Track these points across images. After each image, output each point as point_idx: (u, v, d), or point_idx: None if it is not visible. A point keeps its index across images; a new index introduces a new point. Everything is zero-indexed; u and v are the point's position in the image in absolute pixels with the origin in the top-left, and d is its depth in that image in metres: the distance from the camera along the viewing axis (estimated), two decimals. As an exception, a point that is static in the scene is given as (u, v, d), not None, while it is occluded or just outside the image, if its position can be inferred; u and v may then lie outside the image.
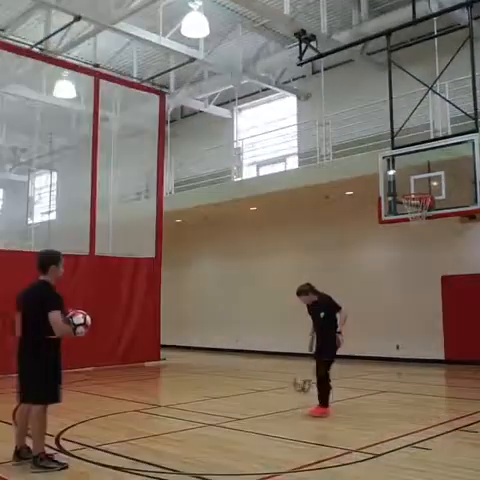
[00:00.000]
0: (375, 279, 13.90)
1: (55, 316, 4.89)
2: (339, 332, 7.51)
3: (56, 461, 4.98)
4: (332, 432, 6.46)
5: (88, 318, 4.97)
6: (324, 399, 7.35)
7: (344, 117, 13.83)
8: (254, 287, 16.82)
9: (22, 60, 13.76)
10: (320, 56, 12.65)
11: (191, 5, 13.21)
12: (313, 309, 7.80)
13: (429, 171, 10.58)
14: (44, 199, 17.88)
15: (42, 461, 4.89)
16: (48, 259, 5.16)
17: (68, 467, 4.95)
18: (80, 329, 4.90)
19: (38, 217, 18.24)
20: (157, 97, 15.13)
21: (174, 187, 17.44)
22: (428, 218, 10.51)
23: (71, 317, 4.93)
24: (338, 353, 7.71)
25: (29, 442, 5.12)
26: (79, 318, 4.92)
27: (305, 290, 7.72)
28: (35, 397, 5.11)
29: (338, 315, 7.63)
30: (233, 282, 17.46)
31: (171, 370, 13.37)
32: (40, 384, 5.11)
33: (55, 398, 5.10)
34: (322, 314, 7.67)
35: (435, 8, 11.43)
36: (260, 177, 16.44)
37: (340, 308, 7.65)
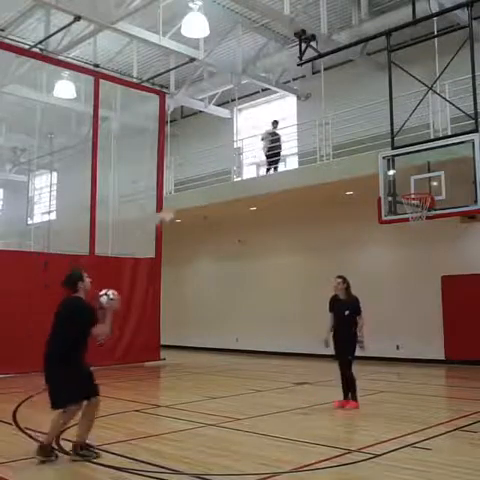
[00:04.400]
0: (375, 279, 13.90)
1: (98, 330, 5.38)
2: (361, 341, 7.72)
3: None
4: (332, 432, 6.46)
5: (110, 293, 5.57)
6: (354, 394, 7.72)
7: (344, 117, 13.82)
8: (254, 287, 16.82)
9: (22, 60, 13.76)
10: (320, 56, 12.65)
11: (191, 5, 13.20)
12: (338, 306, 7.89)
13: (429, 171, 10.59)
14: (44, 199, 17.86)
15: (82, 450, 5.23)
16: (75, 279, 5.56)
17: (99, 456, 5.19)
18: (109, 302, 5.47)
19: (38, 217, 18.22)
20: (157, 97, 15.14)
21: (174, 187, 17.44)
22: (428, 218, 10.51)
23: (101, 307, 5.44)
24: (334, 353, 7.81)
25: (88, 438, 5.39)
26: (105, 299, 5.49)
27: (345, 278, 7.98)
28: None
29: (358, 319, 7.78)
30: (233, 282, 17.45)
31: (171, 370, 13.37)
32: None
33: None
34: (347, 312, 7.77)
35: (435, 8, 11.42)
36: (260, 177, 16.43)
37: (360, 313, 7.82)
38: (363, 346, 7.73)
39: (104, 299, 5.46)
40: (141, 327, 13.78)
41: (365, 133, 13.35)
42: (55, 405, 5.18)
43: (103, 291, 5.52)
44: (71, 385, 5.18)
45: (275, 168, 15.67)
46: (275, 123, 16.07)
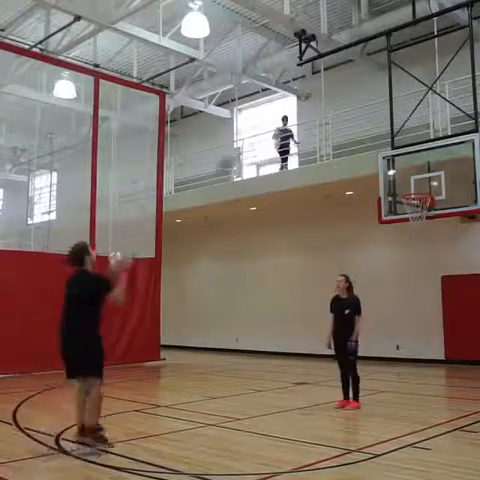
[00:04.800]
0: (375, 279, 13.90)
1: (115, 295, 5.42)
2: (355, 341, 7.65)
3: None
4: (332, 432, 6.46)
5: (118, 254, 5.55)
6: (356, 394, 7.70)
7: (344, 117, 13.83)
8: (254, 287, 16.82)
9: (22, 60, 13.75)
10: (320, 56, 12.65)
11: (191, 5, 13.20)
12: (338, 305, 7.88)
13: (429, 171, 10.59)
14: (44, 199, 17.86)
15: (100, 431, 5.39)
16: (81, 251, 5.58)
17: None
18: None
19: (38, 217, 18.23)
20: (157, 97, 15.13)
21: (174, 187, 17.44)
22: (428, 218, 10.51)
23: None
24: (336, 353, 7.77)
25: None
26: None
27: (347, 277, 7.95)
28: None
29: (357, 319, 7.73)
30: (233, 282, 17.46)
31: (171, 370, 13.37)
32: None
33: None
34: (347, 311, 7.74)
35: (435, 8, 11.42)
36: (260, 177, 16.44)
37: (359, 314, 7.78)
38: (350, 346, 7.60)
39: (113, 262, 5.47)
40: (141, 327, 13.77)
41: (365, 133, 13.36)
42: (96, 374, 5.33)
43: (111, 254, 5.55)
44: (101, 355, 5.39)
45: (285, 166, 15.52)
46: (285, 119, 15.82)
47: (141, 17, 13.09)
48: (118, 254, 5.52)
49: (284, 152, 15.55)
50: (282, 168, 15.55)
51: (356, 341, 7.66)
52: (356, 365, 7.74)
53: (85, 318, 5.36)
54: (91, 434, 5.34)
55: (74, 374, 5.44)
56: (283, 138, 15.53)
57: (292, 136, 15.66)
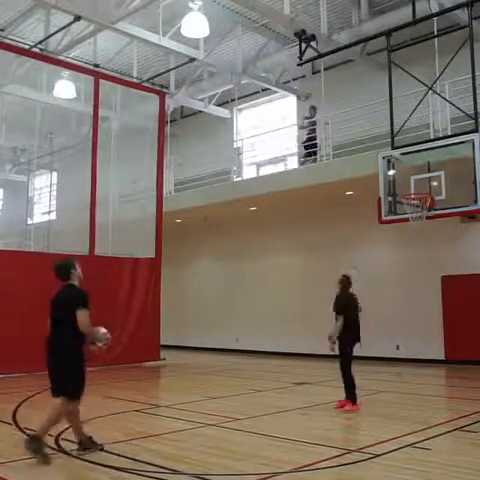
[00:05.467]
0: (375, 279, 13.90)
1: (83, 313, 5.26)
2: (333, 341, 7.60)
3: (44, 455, 5.13)
4: (332, 432, 6.46)
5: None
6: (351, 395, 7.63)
7: (344, 117, 13.83)
8: (254, 287, 16.82)
9: (22, 60, 13.75)
10: (320, 56, 12.64)
11: (191, 5, 13.19)
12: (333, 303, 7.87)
13: (429, 171, 10.58)
14: (44, 199, 17.86)
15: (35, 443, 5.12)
16: (67, 267, 5.57)
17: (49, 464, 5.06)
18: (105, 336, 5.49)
19: (38, 217, 18.23)
20: (157, 97, 15.14)
21: (174, 187, 17.44)
22: (428, 218, 10.51)
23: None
24: (336, 353, 7.72)
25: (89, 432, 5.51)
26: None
27: (343, 278, 7.93)
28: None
29: (337, 318, 7.66)
30: (233, 282, 17.46)
31: (171, 370, 13.37)
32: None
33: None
34: (332, 310, 7.72)
35: (435, 8, 11.42)
36: (260, 177, 16.43)
37: (340, 313, 7.68)
38: (330, 346, 7.60)
39: (99, 334, 5.46)
40: (141, 327, 13.77)
41: (365, 133, 13.36)
42: (72, 394, 5.23)
43: (104, 330, 5.54)
44: (80, 375, 5.31)
45: (314, 160, 14.59)
46: (313, 109, 15.09)
47: (141, 17, 13.08)
48: (103, 331, 5.50)
49: (311, 145, 14.66)
50: (304, 163, 14.75)
51: (334, 342, 7.57)
52: (346, 365, 7.63)
53: (67, 334, 5.25)
54: (33, 442, 5.11)
55: (53, 392, 5.33)
56: (311, 130, 14.77)
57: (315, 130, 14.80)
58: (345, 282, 7.93)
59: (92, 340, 5.39)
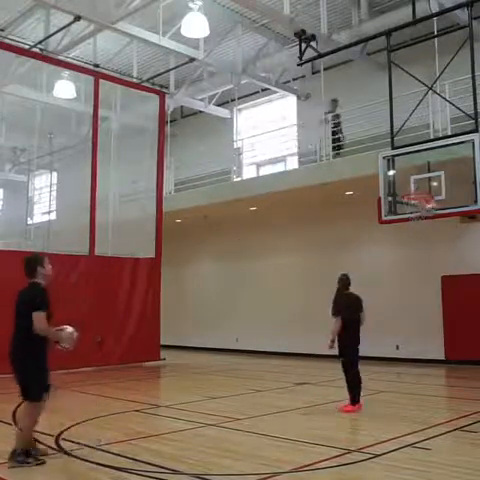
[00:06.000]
0: (375, 279, 13.89)
1: (37, 316, 5.05)
2: (331, 340, 7.60)
3: (35, 457, 5.06)
4: (332, 432, 6.46)
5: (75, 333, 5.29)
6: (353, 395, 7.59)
7: (344, 117, 13.81)
8: (254, 287, 16.82)
9: (22, 60, 13.75)
10: (320, 56, 12.64)
11: (191, 5, 13.19)
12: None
13: (429, 171, 10.58)
14: (44, 199, 17.86)
15: (19, 456, 4.98)
16: (34, 263, 5.40)
17: (45, 462, 5.02)
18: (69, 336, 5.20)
19: (38, 217, 18.23)
20: (157, 97, 15.14)
21: (174, 187, 17.44)
22: (428, 218, 10.50)
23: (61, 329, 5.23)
24: (336, 353, 7.71)
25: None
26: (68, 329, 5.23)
27: (339, 278, 7.89)
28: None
29: (334, 320, 7.64)
30: (233, 282, 17.46)
31: (171, 370, 13.37)
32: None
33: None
34: (330, 311, 7.68)
35: (435, 8, 11.41)
36: (260, 177, 16.43)
37: (336, 315, 7.66)
38: (330, 344, 7.60)
39: (63, 333, 5.23)
40: (141, 327, 13.78)
41: (365, 133, 13.35)
42: (31, 396, 5.07)
43: (70, 329, 5.27)
44: (43, 375, 5.12)
45: (338, 153, 14.00)
46: (334, 102, 14.43)
47: (141, 17, 13.08)
48: (68, 330, 5.27)
49: (335, 139, 14.05)
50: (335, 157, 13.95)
51: (332, 341, 7.57)
52: (348, 366, 7.61)
53: (24, 337, 5.08)
54: (17, 456, 4.98)
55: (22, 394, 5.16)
56: (335, 124, 14.16)
57: (340, 123, 14.20)
58: (343, 282, 7.88)
59: (56, 340, 5.20)
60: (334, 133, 14.16)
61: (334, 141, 14.10)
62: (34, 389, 5.08)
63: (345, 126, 13.71)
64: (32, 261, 5.41)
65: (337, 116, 14.32)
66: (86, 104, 14.71)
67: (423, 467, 4.88)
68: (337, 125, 14.20)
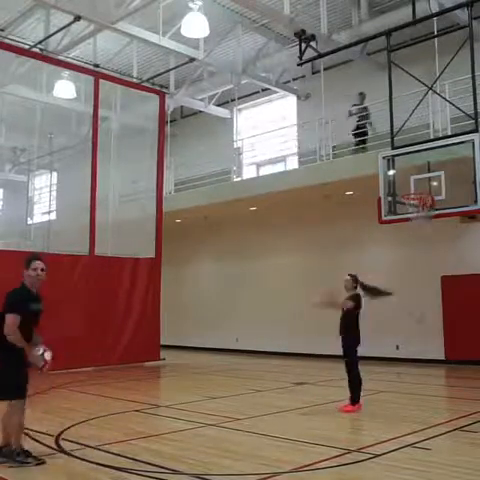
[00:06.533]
0: (375, 279, 13.86)
1: (9, 318, 4.95)
2: (352, 336, 7.64)
3: (34, 457, 5.05)
4: (332, 432, 6.45)
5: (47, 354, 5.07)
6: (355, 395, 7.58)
7: (344, 117, 13.81)
8: (254, 287, 16.82)
9: (22, 60, 13.76)
10: (320, 56, 12.64)
11: (191, 5, 13.20)
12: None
13: (429, 171, 10.58)
14: (44, 199, 17.87)
15: (19, 456, 4.99)
16: (24, 263, 5.29)
17: (45, 462, 5.01)
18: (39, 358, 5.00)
19: (38, 217, 18.23)
20: (157, 97, 15.14)
21: (174, 187, 17.44)
22: (431, 217, 10.50)
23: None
24: (337, 353, 7.70)
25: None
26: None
27: (355, 277, 7.82)
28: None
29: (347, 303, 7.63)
30: (233, 282, 17.45)
31: (171, 370, 13.36)
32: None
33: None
34: (344, 308, 7.66)
35: (435, 8, 11.42)
36: (260, 177, 16.43)
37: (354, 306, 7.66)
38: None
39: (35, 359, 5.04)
40: (141, 327, 13.78)
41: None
42: (8, 395, 5.00)
43: (42, 350, 5.08)
44: (16, 375, 5.03)
45: (363, 148, 13.60)
46: (362, 95, 13.85)
47: (141, 17, 13.09)
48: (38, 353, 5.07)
49: (360, 133, 13.67)
50: (356, 152, 13.57)
51: (352, 337, 7.57)
52: (352, 366, 7.63)
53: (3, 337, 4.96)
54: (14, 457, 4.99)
55: None
56: (361, 117, 13.78)
57: (368, 116, 13.77)
58: (357, 279, 7.86)
59: (30, 359, 5.03)
60: (358, 128, 13.74)
61: (359, 135, 13.69)
62: (6, 388, 5.01)
63: (345, 126, 13.68)
64: (24, 262, 5.31)
65: (365, 109, 13.84)
66: (86, 104, 14.71)
67: (423, 467, 4.88)
68: (363, 118, 13.70)
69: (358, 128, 13.79)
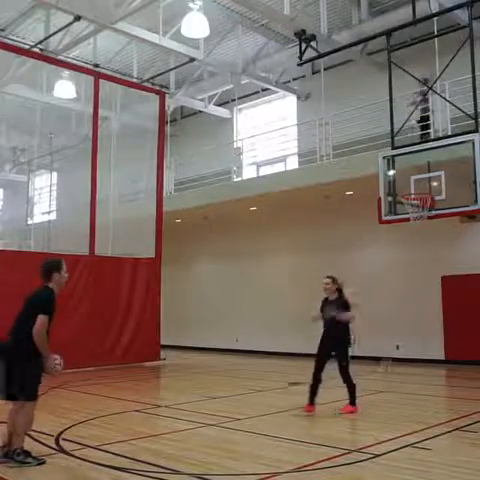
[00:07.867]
0: (375, 279, 13.89)
1: (42, 319, 5.04)
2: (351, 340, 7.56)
3: (35, 457, 5.06)
4: (332, 432, 6.45)
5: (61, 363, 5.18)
6: (351, 399, 7.53)
7: (344, 117, 13.83)
8: (254, 287, 16.81)
9: (22, 60, 13.76)
10: (320, 56, 12.65)
11: (191, 5, 13.20)
12: (327, 306, 7.72)
13: (429, 171, 10.58)
14: (44, 199, 17.87)
15: (19, 456, 5.00)
16: (51, 267, 5.32)
17: (45, 462, 5.02)
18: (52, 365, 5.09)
19: (38, 217, 18.24)
20: (157, 97, 15.13)
21: (174, 187, 17.44)
22: (428, 218, 10.51)
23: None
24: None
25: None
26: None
27: (333, 278, 7.71)
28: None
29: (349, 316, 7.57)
30: (233, 282, 17.45)
31: (171, 370, 13.36)
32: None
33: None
34: (333, 313, 7.55)
35: (435, 8, 11.42)
36: (260, 177, 16.43)
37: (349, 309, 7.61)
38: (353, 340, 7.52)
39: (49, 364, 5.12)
40: (141, 327, 13.77)
41: (365, 133, 13.35)
42: (28, 395, 5.03)
43: (59, 360, 5.17)
44: (37, 376, 5.10)
45: (426, 139, 11.94)
46: (426, 82, 11.96)
47: (141, 17, 13.09)
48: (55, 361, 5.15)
49: (424, 119, 12.45)
50: (421, 141, 11.96)
51: (347, 340, 7.52)
52: (347, 371, 7.55)
53: (25, 335, 5.06)
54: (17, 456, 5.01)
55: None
56: (424, 109, 12.38)
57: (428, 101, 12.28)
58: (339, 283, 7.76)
59: (47, 364, 5.10)
60: (422, 119, 12.56)
61: (424, 127, 12.58)
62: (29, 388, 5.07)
63: (345, 126, 13.68)
64: (50, 265, 5.34)
65: (426, 94, 12.11)
66: (86, 104, 14.70)
67: (423, 467, 4.88)
68: (426, 102, 12.38)
69: (422, 119, 12.52)
